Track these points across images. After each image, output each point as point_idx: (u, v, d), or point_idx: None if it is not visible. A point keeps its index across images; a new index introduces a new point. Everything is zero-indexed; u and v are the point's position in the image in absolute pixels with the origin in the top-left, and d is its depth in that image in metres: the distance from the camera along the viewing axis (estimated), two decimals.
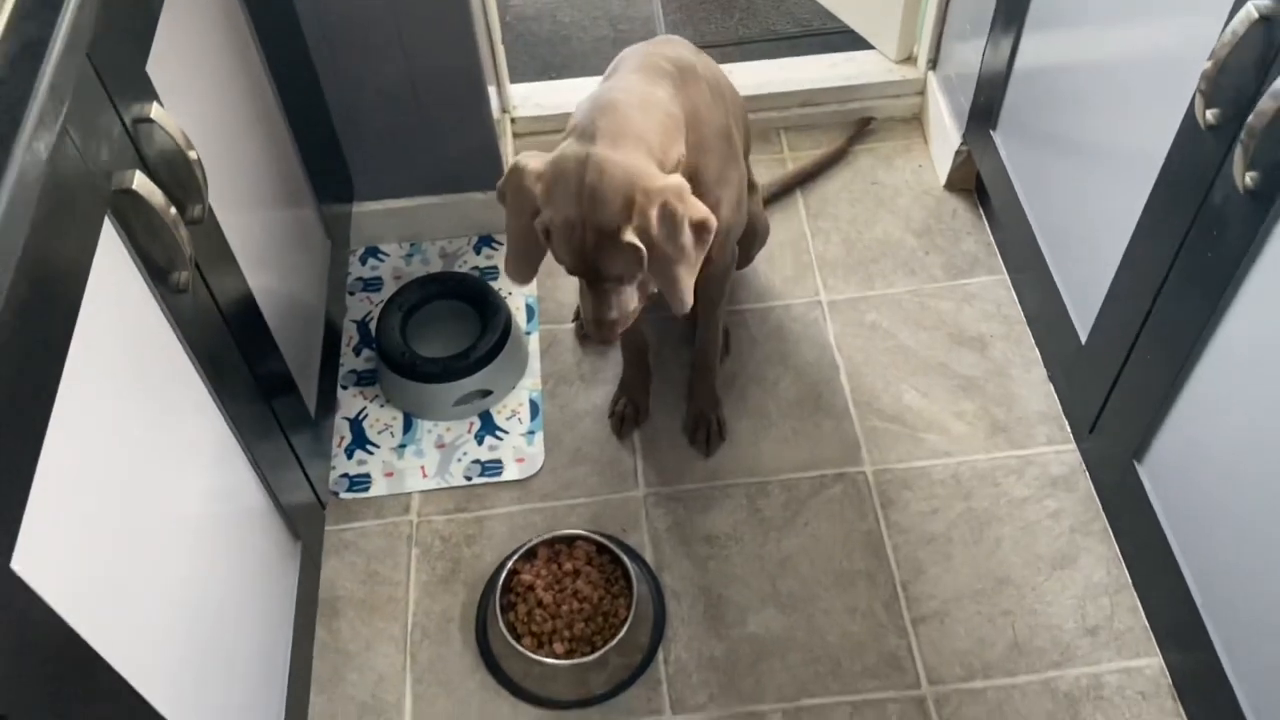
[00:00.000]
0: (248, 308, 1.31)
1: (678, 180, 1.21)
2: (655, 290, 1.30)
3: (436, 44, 1.70)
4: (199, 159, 1.09)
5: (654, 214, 1.18)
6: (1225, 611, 1.25)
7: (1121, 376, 1.41)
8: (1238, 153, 1.07)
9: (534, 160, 1.24)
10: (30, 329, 0.78)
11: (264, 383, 1.33)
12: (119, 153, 0.97)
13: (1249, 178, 1.08)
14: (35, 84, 0.82)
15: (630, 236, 1.17)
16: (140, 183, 0.97)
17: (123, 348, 0.98)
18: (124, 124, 0.99)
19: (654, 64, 1.33)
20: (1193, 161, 1.19)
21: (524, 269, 1.34)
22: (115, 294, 0.96)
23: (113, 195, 0.95)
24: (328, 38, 1.67)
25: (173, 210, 1.01)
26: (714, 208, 1.39)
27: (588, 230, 1.19)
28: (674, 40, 1.45)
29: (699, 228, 1.21)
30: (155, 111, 1.03)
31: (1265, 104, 1.03)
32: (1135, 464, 1.41)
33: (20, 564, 0.74)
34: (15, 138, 0.78)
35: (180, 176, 1.08)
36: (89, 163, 0.90)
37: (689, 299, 1.25)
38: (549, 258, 1.30)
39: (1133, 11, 1.33)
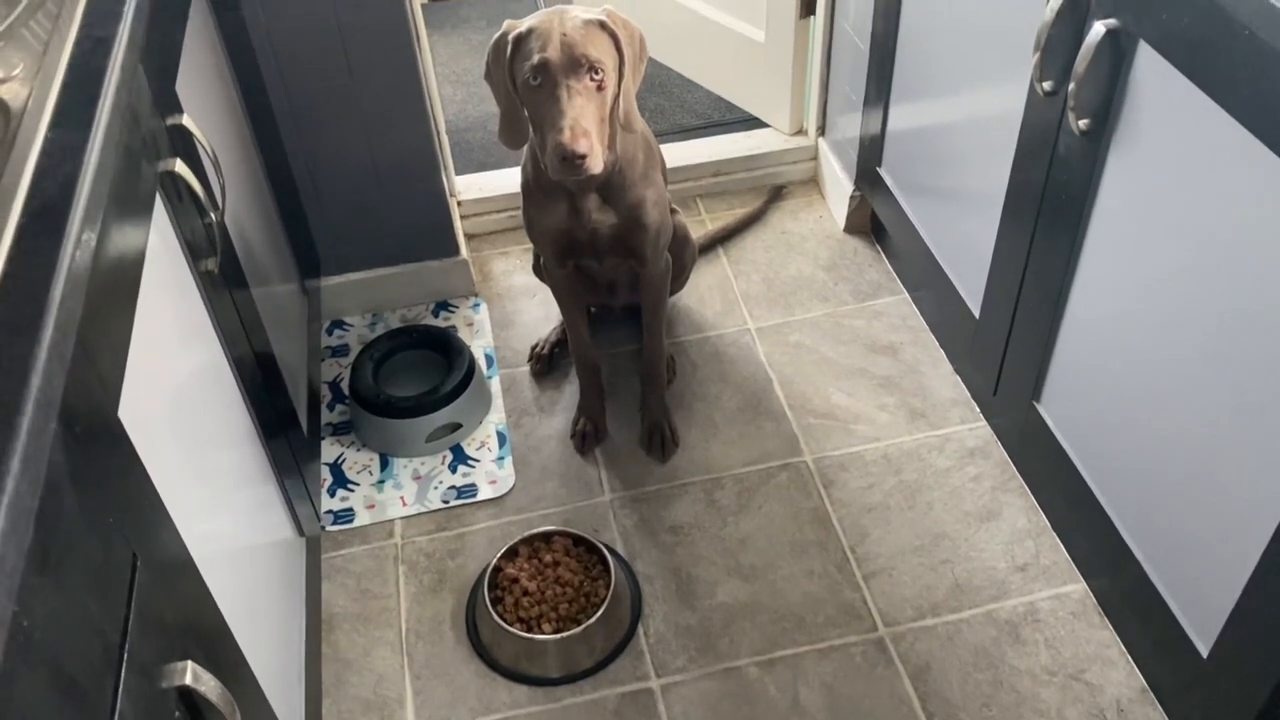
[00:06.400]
0: (261, 334, 1.47)
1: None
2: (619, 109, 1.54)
3: (399, 126, 1.93)
4: (219, 166, 1.29)
5: (620, 26, 1.50)
6: (1144, 529, 1.41)
7: (1012, 333, 1.65)
8: (1070, 106, 1.34)
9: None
10: (108, 282, 0.89)
11: (282, 417, 1.49)
12: (163, 144, 1.16)
13: (1082, 124, 1.35)
14: (109, 65, 1.01)
15: (612, 25, 1.47)
16: (180, 168, 1.16)
17: (173, 313, 1.14)
18: (164, 124, 1.18)
19: None
20: (1039, 125, 1.46)
21: (513, 135, 1.56)
22: (165, 267, 1.12)
23: (160, 176, 1.13)
24: (296, 119, 1.89)
25: (203, 193, 1.20)
26: (639, 204, 1.63)
27: (567, 21, 1.45)
28: None
29: (642, 44, 1.54)
30: (185, 120, 1.23)
31: (1079, 65, 1.31)
32: (1035, 405, 1.62)
33: None
34: (98, 104, 0.97)
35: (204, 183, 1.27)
36: (145, 142, 1.08)
37: (636, 114, 1.55)
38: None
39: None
